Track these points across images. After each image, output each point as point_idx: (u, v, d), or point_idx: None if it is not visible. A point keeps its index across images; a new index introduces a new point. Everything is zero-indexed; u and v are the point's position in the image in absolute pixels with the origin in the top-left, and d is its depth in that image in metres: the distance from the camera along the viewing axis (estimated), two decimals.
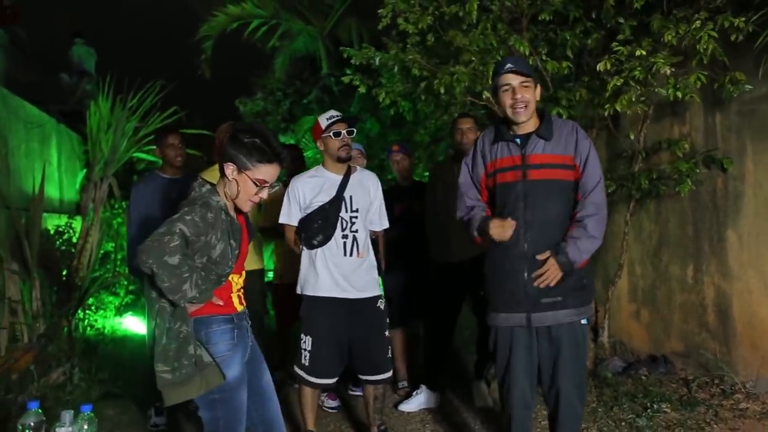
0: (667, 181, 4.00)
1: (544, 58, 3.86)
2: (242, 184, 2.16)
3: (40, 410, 2.12)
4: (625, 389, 3.92)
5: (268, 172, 2.16)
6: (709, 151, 3.96)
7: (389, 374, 3.34)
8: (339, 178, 3.24)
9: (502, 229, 2.53)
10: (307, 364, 3.18)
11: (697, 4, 3.47)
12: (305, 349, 3.18)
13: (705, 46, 3.30)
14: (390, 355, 3.34)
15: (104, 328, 6.39)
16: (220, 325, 2.19)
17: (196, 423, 3.67)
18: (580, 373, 2.60)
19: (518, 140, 2.59)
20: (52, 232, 6.04)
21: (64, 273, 5.35)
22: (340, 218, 3.19)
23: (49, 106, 8.02)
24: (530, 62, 3.88)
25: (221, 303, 2.20)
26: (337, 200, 3.19)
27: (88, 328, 6.08)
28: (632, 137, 4.11)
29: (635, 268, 4.59)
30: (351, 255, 3.19)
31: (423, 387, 4.08)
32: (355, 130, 3.20)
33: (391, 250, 4.32)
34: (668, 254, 4.37)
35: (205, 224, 2.07)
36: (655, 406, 3.64)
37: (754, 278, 3.87)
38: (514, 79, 2.52)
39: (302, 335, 3.23)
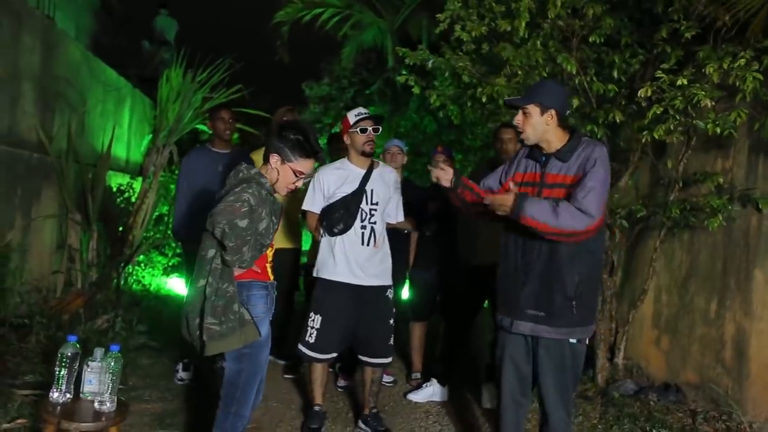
0: (699, 213, 4.01)
1: (591, 78, 3.92)
2: (283, 173, 2.50)
3: (77, 344, 2.43)
4: (630, 411, 3.97)
5: (307, 165, 2.52)
6: (747, 189, 3.95)
7: (388, 360, 3.56)
8: (362, 171, 3.48)
9: (503, 199, 2.57)
10: (312, 341, 3.43)
11: (746, 42, 3.47)
12: (312, 327, 3.43)
13: (749, 86, 3.30)
14: (391, 342, 3.55)
15: (150, 284, 6.81)
16: (258, 290, 2.51)
17: (218, 381, 3.98)
18: (564, 388, 2.69)
19: (543, 158, 2.72)
20: (114, 189, 6.44)
21: (120, 229, 5.73)
22: (360, 210, 3.41)
23: (129, 70, 8.51)
24: (576, 81, 3.97)
25: (259, 271, 2.52)
26: (359, 193, 3.42)
27: (136, 283, 6.50)
28: (670, 166, 4.13)
29: (662, 296, 4.61)
30: (368, 245, 3.43)
31: (434, 380, 4.25)
32: (380, 128, 3.43)
33: (422, 246, 4.50)
34: (695, 285, 4.37)
35: (259, 199, 2.39)
36: (654, 431, 3.70)
37: None
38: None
39: (311, 314, 3.47)
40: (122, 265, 5.58)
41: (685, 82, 3.42)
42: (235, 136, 4.61)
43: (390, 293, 3.56)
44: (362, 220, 3.43)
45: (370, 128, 3.41)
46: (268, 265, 2.59)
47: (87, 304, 4.89)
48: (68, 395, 2.36)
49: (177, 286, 6.98)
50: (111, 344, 2.48)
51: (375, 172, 3.51)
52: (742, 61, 3.36)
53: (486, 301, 4.39)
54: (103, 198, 5.47)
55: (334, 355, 3.54)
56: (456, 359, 4.33)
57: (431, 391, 4.21)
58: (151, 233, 6.66)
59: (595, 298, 2.95)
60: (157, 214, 6.70)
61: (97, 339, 4.44)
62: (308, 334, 3.44)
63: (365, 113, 3.45)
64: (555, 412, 2.69)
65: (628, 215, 4.19)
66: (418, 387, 4.33)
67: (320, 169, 3.57)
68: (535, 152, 2.74)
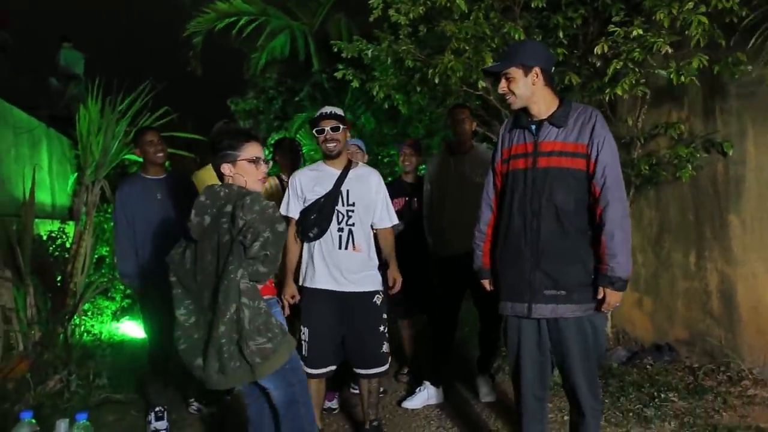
0: (667, 166, 3.94)
1: None
2: (243, 172, 2.42)
3: (33, 420, 2.07)
4: (631, 379, 3.88)
5: (253, 148, 2.45)
6: (708, 134, 3.91)
7: (384, 368, 3.34)
8: (337, 172, 3.28)
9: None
10: (306, 354, 3.22)
11: None
12: (304, 341, 3.24)
13: (697, 30, 3.23)
14: (385, 350, 3.33)
15: (101, 333, 6.30)
16: (275, 306, 2.55)
17: (198, 427, 3.63)
18: (592, 369, 2.55)
19: (533, 127, 2.53)
20: (44, 237, 5.96)
21: (59, 279, 5.27)
22: (336, 211, 3.22)
23: (39, 110, 7.92)
24: None
25: (269, 285, 2.54)
26: (333, 194, 3.22)
27: (85, 334, 5.99)
28: (630, 123, 4.05)
29: (636, 257, 4.53)
30: (346, 248, 3.23)
31: (426, 383, 4.03)
32: (340, 126, 3.21)
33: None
34: (670, 241, 4.32)
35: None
36: (662, 395, 3.61)
37: (758, 263, 3.82)
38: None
39: (302, 327, 3.28)
40: (67, 317, 5.11)
41: (641, 32, 3.32)
42: (167, 163, 4.27)
43: (378, 299, 3.31)
44: (339, 223, 3.23)
45: (327, 128, 3.21)
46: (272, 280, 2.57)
47: (33, 366, 4.43)
48: None
49: (131, 329, 6.50)
50: (72, 407, 2.13)
51: (351, 172, 3.30)
52: (690, 5, 3.28)
53: (464, 292, 4.19)
54: (34, 248, 5.01)
55: (332, 368, 3.30)
56: (444, 357, 4.12)
57: (426, 395, 3.99)
58: (94, 278, 6.17)
59: None
60: (96, 256, 6.22)
61: (52, 403, 4.01)
62: (302, 348, 3.23)
63: (326, 113, 3.26)
64: (587, 401, 2.53)
65: None
66: (411, 392, 4.09)
67: (295, 173, 3.39)
68: (522, 120, 2.56)
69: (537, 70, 2.48)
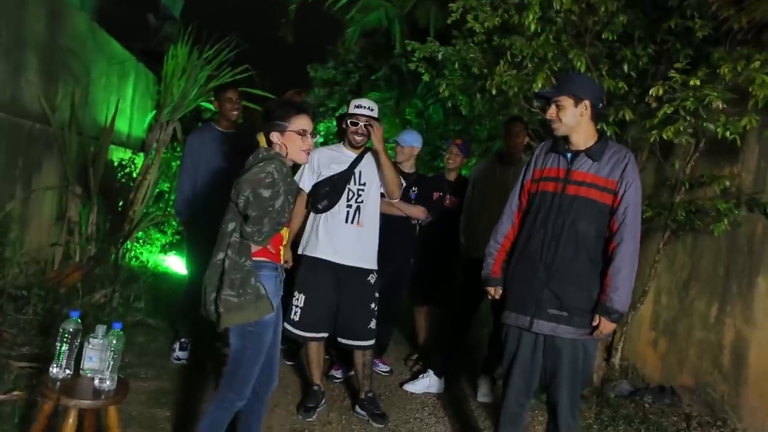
0: (704, 217, 3.99)
1: (603, 74, 3.87)
2: (289, 142, 2.53)
3: (79, 320, 2.40)
4: (625, 412, 3.98)
5: (302, 121, 2.54)
6: (755, 193, 3.93)
7: (369, 342, 3.57)
8: (354, 155, 3.57)
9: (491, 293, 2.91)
10: (297, 319, 3.49)
11: (761, 45, 3.43)
12: (297, 306, 3.49)
13: (761, 91, 3.26)
14: (372, 326, 3.56)
15: (148, 261, 6.77)
16: (269, 270, 2.52)
17: (216, 362, 3.97)
18: (576, 388, 2.71)
19: (569, 155, 2.68)
20: (116, 164, 6.39)
21: (121, 204, 5.71)
22: (347, 189, 3.49)
23: (133, 44, 8.40)
24: None
25: (273, 251, 2.54)
26: (348, 173, 3.50)
27: (134, 260, 6.47)
28: (677, 167, 4.10)
29: (661, 298, 4.60)
30: (352, 222, 3.49)
31: (430, 372, 4.24)
32: (373, 126, 3.42)
33: (422, 235, 4.49)
34: (696, 289, 4.36)
35: (282, 176, 2.43)
36: None
37: None
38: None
39: (296, 293, 3.53)
40: (121, 240, 5.56)
41: (698, 83, 3.38)
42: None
43: (372, 278, 3.57)
44: (348, 200, 3.50)
45: (361, 123, 3.47)
46: (282, 247, 2.61)
47: (85, 278, 4.87)
48: (68, 371, 2.33)
49: (174, 264, 6.95)
50: (112, 321, 2.44)
51: (367, 157, 3.58)
52: (757, 64, 3.32)
53: (485, 295, 4.36)
54: (105, 172, 5.43)
55: (324, 334, 3.56)
56: (454, 352, 4.32)
57: (427, 383, 4.21)
58: (152, 210, 6.62)
59: None
60: (157, 191, 6.66)
61: (94, 314, 4.43)
62: (293, 313, 3.50)
63: (364, 106, 3.51)
64: (564, 418, 2.69)
65: None
66: (415, 377, 4.32)
67: (315, 149, 3.62)
68: (560, 146, 2.70)
69: (587, 103, 2.62)
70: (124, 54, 7.14)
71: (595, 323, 2.60)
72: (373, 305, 3.57)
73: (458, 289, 4.39)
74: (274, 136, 2.53)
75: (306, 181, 3.55)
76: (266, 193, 2.34)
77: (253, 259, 2.44)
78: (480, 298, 4.31)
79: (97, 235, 5.25)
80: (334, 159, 3.55)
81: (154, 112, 6.91)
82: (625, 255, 2.55)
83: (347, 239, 3.48)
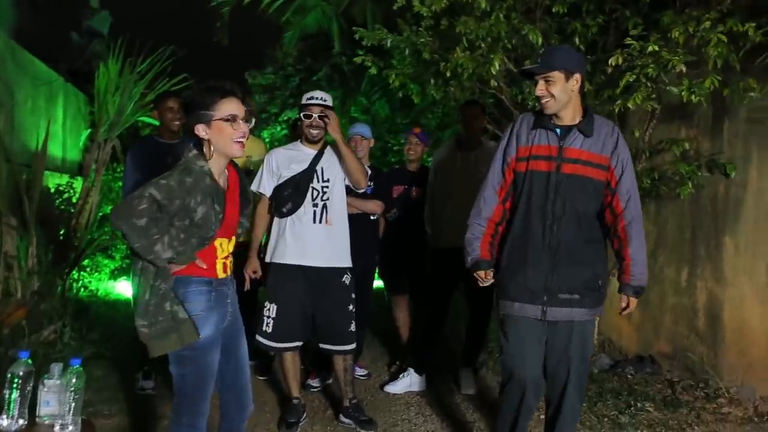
0: (668, 182, 3.99)
1: None
2: (216, 132, 2.17)
3: (30, 361, 2.15)
4: (611, 386, 3.95)
5: (228, 105, 2.17)
6: (713, 155, 3.95)
7: (351, 346, 3.42)
8: (313, 152, 3.40)
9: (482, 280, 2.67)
10: (269, 330, 3.32)
11: (709, 5, 3.43)
12: (269, 317, 3.32)
13: (716, 50, 3.26)
14: (352, 329, 3.41)
15: (98, 290, 6.43)
16: (198, 286, 2.23)
17: None
18: (585, 370, 2.65)
19: (558, 131, 2.54)
20: (52, 190, 6.05)
21: (62, 232, 5.37)
22: (311, 188, 3.33)
23: (58, 64, 7.98)
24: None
25: (204, 266, 2.24)
26: (309, 171, 3.34)
27: (82, 289, 6.12)
28: (637, 135, 4.09)
29: None
30: (320, 222, 3.33)
31: (410, 370, 4.11)
32: (328, 117, 3.26)
33: (389, 230, 4.35)
34: (664, 256, 4.37)
35: (182, 188, 2.12)
36: (638, 404, 3.68)
37: (747, 286, 3.87)
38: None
39: (267, 303, 3.36)
40: (66, 270, 5.23)
41: (656, 48, 3.35)
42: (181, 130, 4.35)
43: (347, 278, 3.41)
44: (314, 199, 3.34)
45: (315, 115, 3.31)
46: (218, 261, 2.29)
47: (30, 314, 4.54)
48: (21, 421, 2.07)
49: (126, 290, 6.61)
50: (65, 358, 2.21)
51: (327, 152, 3.43)
52: (708, 24, 3.32)
53: (456, 285, 4.26)
54: (41, 200, 5.09)
55: (299, 343, 3.40)
56: (432, 347, 4.20)
57: (408, 382, 4.07)
58: (96, 235, 6.26)
59: None
60: (101, 214, 6.30)
61: (45, 352, 4.12)
62: (265, 324, 3.34)
63: (316, 97, 3.34)
64: (570, 400, 2.58)
65: None
66: (394, 378, 4.18)
67: (272, 151, 3.49)
68: (545, 122, 2.55)
69: (578, 76, 2.49)
70: (50, 74, 6.77)
71: (623, 303, 2.56)
72: (351, 307, 3.41)
73: (428, 282, 4.27)
74: (200, 129, 2.17)
75: (266, 184, 3.37)
76: (141, 222, 2.06)
77: (178, 275, 2.19)
78: (451, 289, 4.21)
79: (39, 267, 4.90)
80: (293, 158, 3.38)
81: (89, 131, 6.56)
82: (639, 233, 2.52)
83: (317, 240, 3.31)
